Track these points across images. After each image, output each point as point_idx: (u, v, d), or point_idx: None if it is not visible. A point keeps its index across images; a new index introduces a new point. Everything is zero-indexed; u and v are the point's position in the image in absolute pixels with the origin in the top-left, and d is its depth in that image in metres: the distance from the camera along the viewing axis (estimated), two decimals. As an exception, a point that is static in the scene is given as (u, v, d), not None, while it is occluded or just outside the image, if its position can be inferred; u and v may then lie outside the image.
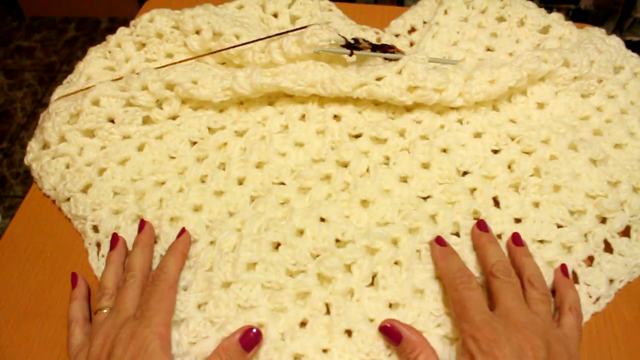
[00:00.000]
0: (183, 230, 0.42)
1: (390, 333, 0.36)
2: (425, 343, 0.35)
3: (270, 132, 0.48)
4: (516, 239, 0.41)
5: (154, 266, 0.41)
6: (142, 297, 0.37)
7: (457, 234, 0.42)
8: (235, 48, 0.49)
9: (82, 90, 0.50)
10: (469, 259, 0.40)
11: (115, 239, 0.42)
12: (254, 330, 0.35)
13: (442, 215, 0.42)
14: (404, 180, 0.45)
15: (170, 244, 0.41)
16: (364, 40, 0.51)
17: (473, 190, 0.44)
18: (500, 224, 0.42)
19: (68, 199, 0.45)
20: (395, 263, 0.40)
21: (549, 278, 0.40)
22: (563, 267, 0.40)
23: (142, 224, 0.42)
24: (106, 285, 0.39)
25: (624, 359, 0.38)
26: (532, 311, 0.35)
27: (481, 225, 0.41)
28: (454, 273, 0.37)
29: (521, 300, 0.36)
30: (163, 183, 0.45)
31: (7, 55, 1.66)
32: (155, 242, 0.42)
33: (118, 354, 0.33)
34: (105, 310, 0.37)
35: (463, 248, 0.41)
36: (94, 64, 0.54)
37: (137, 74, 0.48)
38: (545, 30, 0.56)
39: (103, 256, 0.42)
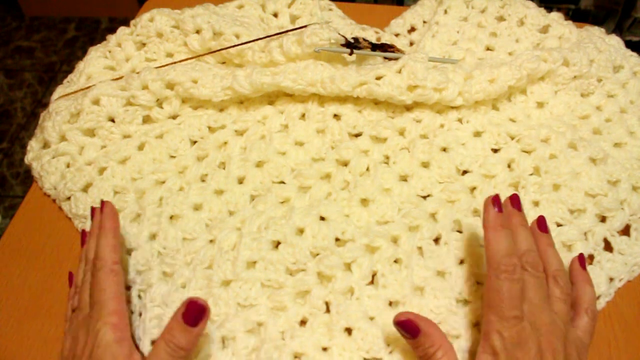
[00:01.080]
0: (103, 204, 0.39)
1: (408, 327, 0.33)
2: (444, 338, 0.33)
3: (271, 131, 0.48)
4: (541, 224, 0.38)
5: (155, 264, 0.41)
6: (90, 290, 0.36)
7: (460, 231, 0.42)
8: (235, 47, 0.49)
9: (82, 89, 0.50)
10: (474, 255, 0.40)
11: (84, 235, 0.42)
12: (198, 302, 0.32)
13: (442, 213, 0.42)
14: (404, 179, 0.45)
15: (169, 242, 0.41)
16: (363, 39, 0.51)
17: (473, 189, 0.44)
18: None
19: (68, 198, 0.45)
20: (395, 261, 0.40)
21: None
22: (581, 258, 0.39)
23: (92, 211, 0.41)
24: (77, 282, 0.39)
25: (623, 358, 0.38)
26: (553, 310, 0.34)
27: (514, 202, 0.37)
28: (501, 257, 0.33)
29: (547, 299, 0.34)
30: (163, 182, 0.45)
31: (7, 55, 1.66)
32: (155, 238, 0.42)
33: (79, 355, 0.33)
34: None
35: (465, 245, 0.41)
36: (94, 63, 0.54)
37: (138, 73, 0.48)
38: (545, 29, 0.56)
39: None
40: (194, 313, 0.32)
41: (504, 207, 0.36)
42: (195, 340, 0.33)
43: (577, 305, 0.36)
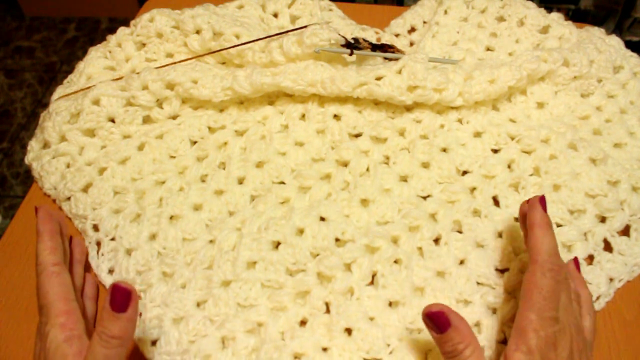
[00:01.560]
0: (37, 209, 0.39)
1: (439, 320, 0.32)
2: (473, 335, 0.32)
3: (271, 132, 0.48)
4: (576, 265, 0.39)
5: (154, 264, 0.41)
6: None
7: (460, 231, 0.42)
8: (236, 48, 0.49)
9: (82, 89, 0.50)
10: (472, 257, 0.40)
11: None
12: (122, 286, 0.31)
13: (442, 214, 0.42)
14: (404, 179, 0.45)
15: (169, 242, 0.41)
16: (364, 39, 0.51)
17: (473, 189, 0.44)
18: (501, 223, 0.42)
19: (68, 198, 0.45)
20: (395, 262, 0.40)
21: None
22: (576, 262, 0.39)
23: (35, 211, 0.40)
24: None
25: (623, 358, 0.38)
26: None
27: (543, 204, 0.36)
28: (549, 256, 0.33)
29: (572, 301, 0.34)
30: (163, 182, 0.45)
31: (7, 55, 1.66)
32: (155, 238, 0.42)
33: None
34: None
35: (466, 245, 0.41)
36: (95, 63, 0.54)
37: (138, 73, 0.48)
38: (545, 30, 0.56)
39: (103, 255, 0.43)
40: (121, 299, 0.31)
41: (534, 211, 0.36)
42: (129, 327, 0.31)
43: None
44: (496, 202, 0.44)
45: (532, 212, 0.35)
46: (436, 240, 0.41)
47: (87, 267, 0.43)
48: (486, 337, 0.37)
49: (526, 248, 0.36)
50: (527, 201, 0.37)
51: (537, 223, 0.35)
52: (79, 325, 0.34)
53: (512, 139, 0.47)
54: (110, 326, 0.31)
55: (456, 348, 0.31)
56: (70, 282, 0.36)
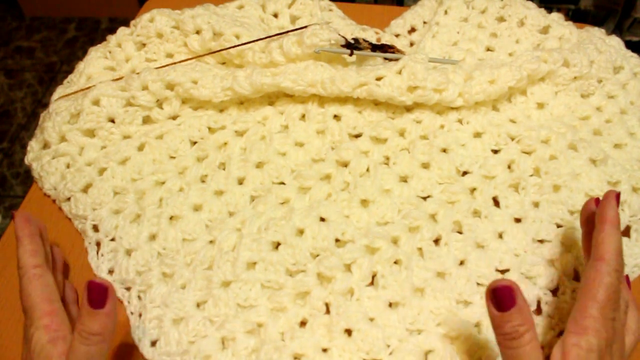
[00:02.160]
0: (14, 216, 0.38)
1: (505, 296, 0.30)
2: (534, 322, 0.31)
3: (271, 132, 0.48)
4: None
5: (155, 264, 0.41)
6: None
7: (460, 232, 0.42)
8: (236, 48, 0.49)
9: (82, 90, 0.50)
10: (472, 257, 0.40)
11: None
12: (96, 282, 0.31)
13: (442, 214, 0.42)
14: (404, 180, 0.45)
15: (168, 242, 0.41)
16: (364, 40, 0.51)
17: (473, 190, 0.44)
18: (500, 224, 0.42)
19: (68, 199, 0.45)
20: (395, 262, 0.40)
21: (550, 275, 0.40)
22: (627, 279, 0.37)
23: (13, 217, 0.39)
24: None
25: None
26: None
27: (618, 200, 0.35)
28: (617, 255, 0.32)
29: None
30: (163, 183, 0.45)
31: (7, 55, 1.66)
32: (154, 238, 0.42)
33: None
34: None
35: (466, 245, 0.41)
36: (95, 63, 0.54)
37: (138, 73, 0.48)
38: (545, 30, 0.56)
39: (102, 255, 0.42)
40: (97, 295, 0.31)
41: (605, 206, 0.35)
42: (108, 322, 0.31)
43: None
44: (496, 202, 0.44)
45: (606, 207, 0.34)
46: (436, 241, 0.41)
47: (87, 267, 0.43)
48: (486, 338, 0.37)
49: (587, 245, 0.35)
50: (596, 199, 0.36)
51: (609, 219, 0.33)
52: (63, 327, 0.33)
53: (512, 139, 0.47)
54: (89, 323, 0.31)
55: (517, 330, 0.29)
56: (53, 284, 0.35)
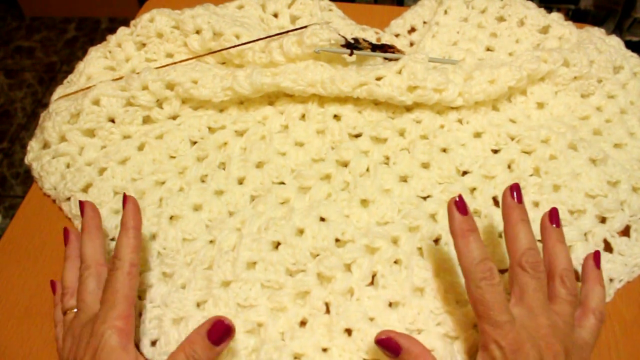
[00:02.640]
0: (126, 199, 0.37)
1: (388, 345, 0.33)
2: (426, 352, 0.33)
3: (271, 132, 0.48)
4: (553, 216, 0.36)
5: (154, 264, 0.41)
6: (102, 289, 0.35)
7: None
8: (236, 48, 0.49)
9: (82, 90, 0.50)
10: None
11: (66, 233, 0.41)
12: (225, 322, 0.32)
13: (442, 214, 0.42)
14: (404, 179, 0.45)
15: (168, 242, 0.41)
16: (364, 40, 0.51)
17: (473, 189, 0.44)
18: (500, 224, 0.42)
19: (68, 199, 0.45)
20: (395, 262, 0.40)
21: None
22: (596, 256, 0.38)
23: (82, 206, 0.39)
24: (66, 284, 0.38)
25: (623, 359, 0.38)
26: (555, 311, 0.33)
27: (515, 191, 0.36)
28: (476, 265, 0.33)
29: (546, 300, 0.33)
30: (163, 182, 0.45)
31: (7, 55, 1.66)
32: (154, 238, 0.42)
33: (80, 356, 0.32)
34: (74, 310, 0.36)
35: None
36: (95, 63, 0.54)
37: (138, 73, 0.48)
38: (545, 30, 0.56)
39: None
40: (219, 333, 0.32)
41: (504, 197, 0.36)
42: (215, 359, 0.33)
43: (584, 304, 0.36)
44: (496, 202, 0.44)
45: (449, 219, 0.34)
46: (436, 241, 0.41)
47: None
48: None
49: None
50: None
51: (454, 232, 0.34)
52: (133, 334, 0.34)
53: (512, 139, 0.47)
54: (201, 353, 0.32)
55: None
56: (137, 289, 0.35)
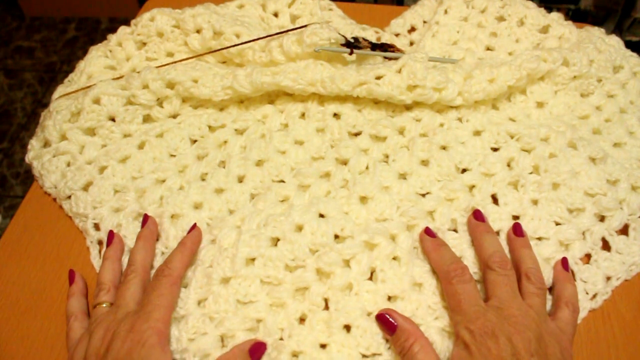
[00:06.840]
0: (194, 227, 0.41)
1: (386, 322, 0.36)
2: (419, 333, 0.35)
3: (270, 130, 0.48)
4: (517, 229, 0.41)
5: (157, 263, 0.41)
6: (145, 291, 0.37)
7: (455, 230, 0.42)
8: (236, 47, 0.50)
9: (83, 88, 0.50)
10: (467, 254, 0.40)
11: (111, 235, 0.42)
12: (265, 346, 0.36)
13: (439, 211, 0.42)
14: (403, 177, 0.45)
15: (170, 241, 0.41)
16: (363, 39, 0.51)
17: (472, 187, 0.44)
18: (499, 221, 0.42)
19: (69, 197, 0.45)
20: (394, 258, 0.40)
21: (546, 274, 0.40)
22: (564, 261, 0.40)
23: (145, 218, 0.42)
24: (103, 280, 0.39)
25: (622, 358, 0.38)
26: (527, 304, 0.36)
27: (477, 215, 0.42)
28: (448, 266, 0.37)
29: (515, 293, 0.36)
30: (163, 181, 0.45)
31: (7, 55, 1.66)
32: (158, 239, 0.42)
33: (116, 348, 0.33)
34: (104, 305, 0.38)
35: (462, 243, 0.41)
36: (95, 62, 0.54)
37: (138, 72, 0.48)
38: (544, 29, 0.56)
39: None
40: (260, 353, 0.36)
41: (469, 220, 0.42)
42: None
43: (557, 300, 0.38)
44: (495, 200, 0.44)
45: (421, 244, 0.41)
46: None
47: (87, 266, 0.43)
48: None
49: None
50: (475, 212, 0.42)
51: (427, 250, 0.40)
52: (169, 338, 0.36)
53: (512, 137, 0.47)
54: None
55: (404, 345, 0.35)
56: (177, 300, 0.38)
